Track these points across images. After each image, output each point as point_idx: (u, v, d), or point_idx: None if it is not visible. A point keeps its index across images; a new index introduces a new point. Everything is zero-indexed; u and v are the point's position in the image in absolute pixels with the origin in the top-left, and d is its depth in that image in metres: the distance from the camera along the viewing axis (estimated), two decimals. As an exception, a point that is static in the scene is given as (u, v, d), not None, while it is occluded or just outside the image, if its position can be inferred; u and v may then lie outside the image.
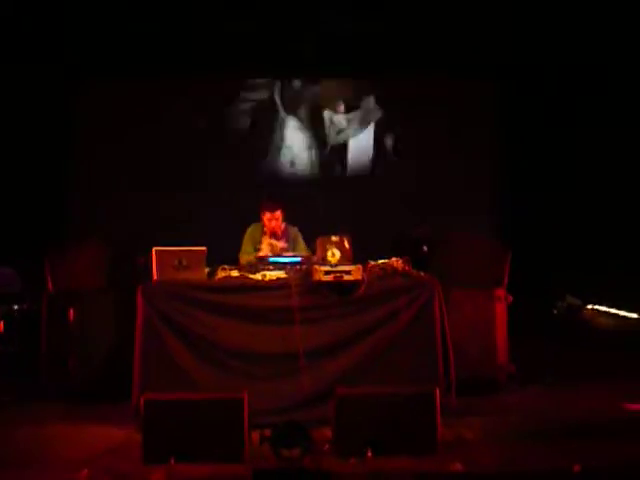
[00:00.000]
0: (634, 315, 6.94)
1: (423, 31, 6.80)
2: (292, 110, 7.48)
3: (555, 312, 7.30)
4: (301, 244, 4.91)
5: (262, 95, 7.44)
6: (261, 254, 4.64)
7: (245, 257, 4.80)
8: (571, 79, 6.98)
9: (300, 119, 7.49)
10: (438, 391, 3.50)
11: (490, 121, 7.42)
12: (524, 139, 7.25)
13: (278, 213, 4.86)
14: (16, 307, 5.62)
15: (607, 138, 6.83)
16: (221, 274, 4.20)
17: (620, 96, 6.64)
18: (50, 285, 4.68)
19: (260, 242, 4.83)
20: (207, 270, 4.21)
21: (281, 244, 4.80)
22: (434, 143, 7.34)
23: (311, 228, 4.90)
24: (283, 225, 4.91)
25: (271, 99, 7.44)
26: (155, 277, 4.05)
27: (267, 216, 4.85)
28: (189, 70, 6.97)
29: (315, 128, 7.50)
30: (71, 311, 4.57)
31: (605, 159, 6.86)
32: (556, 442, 3.59)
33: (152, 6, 6.44)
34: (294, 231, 4.97)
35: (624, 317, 7.03)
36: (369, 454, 3.30)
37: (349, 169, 7.54)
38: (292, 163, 7.50)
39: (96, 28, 6.56)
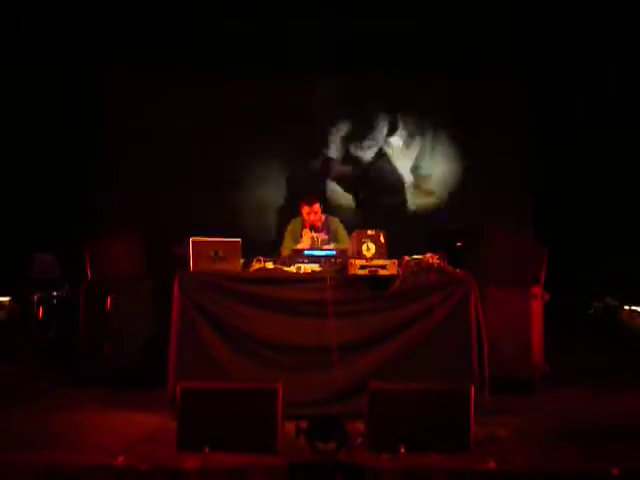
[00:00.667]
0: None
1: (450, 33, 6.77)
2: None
3: (591, 312, 7.17)
4: (342, 235, 4.92)
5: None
6: (300, 247, 4.65)
7: (287, 251, 4.83)
8: (604, 77, 6.84)
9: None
10: (472, 388, 3.47)
11: (526, 120, 7.30)
12: (561, 137, 7.12)
13: (316, 206, 4.91)
14: (55, 293, 5.74)
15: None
16: (256, 266, 4.23)
17: None
18: (89, 272, 4.77)
19: (301, 236, 4.87)
20: (242, 261, 4.24)
21: (322, 236, 4.84)
22: (470, 142, 7.26)
23: (348, 223, 4.93)
24: (323, 217, 4.96)
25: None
26: (191, 267, 4.09)
27: (306, 210, 4.92)
28: (227, 66, 6.99)
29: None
30: (109, 298, 4.66)
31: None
32: (591, 444, 3.53)
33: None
34: (335, 222, 5.00)
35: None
36: (402, 450, 3.29)
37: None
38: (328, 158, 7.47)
39: (124, 19, 6.61)
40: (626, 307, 7.11)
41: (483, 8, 6.61)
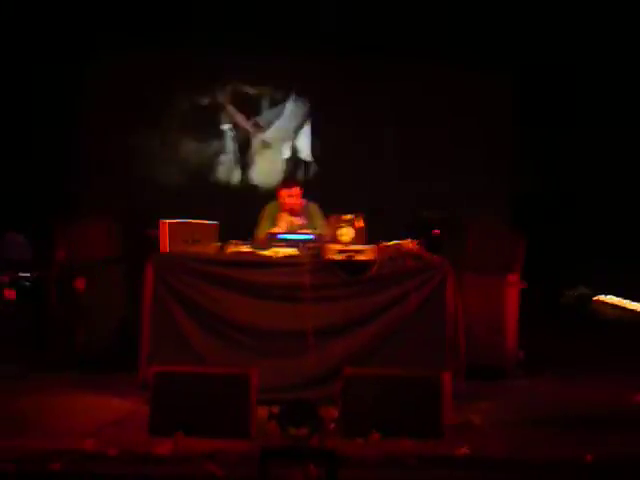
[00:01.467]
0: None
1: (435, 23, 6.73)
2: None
3: (562, 301, 7.25)
4: (320, 220, 4.78)
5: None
6: (276, 230, 4.59)
7: (263, 235, 4.75)
8: (588, 72, 6.91)
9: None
10: (446, 375, 3.48)
11: (506, 109, 7.32)
12: (540, 126, 7.16)
13: (295, 190, 4.79)
14: (26, 275, 5.62)
15: (628, 129, 6.76)
16: (231, 249, 4.17)
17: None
18: (60, 254, 4.67)
19: (278, 219, 4.77)
20: (218, 245, 4.18)
21: (299, 221, 4.74)
22: (449, 130, 7.26)
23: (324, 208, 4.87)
24: (303, 202, 4.85)
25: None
26: (165, 249, 4.02)
27: (284, 193, 4.79)
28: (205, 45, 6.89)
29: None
30: (80, 280, 4.57)
31: (626, 150, 6.78)
32: (564, 431, 3.55)
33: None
34: (314, 207, 4.87)
35: (632, 309, 6.98)
36: (375, 436, 3.28)
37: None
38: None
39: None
40: (598, 297, 7.21)
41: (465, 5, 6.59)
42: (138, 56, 6.98)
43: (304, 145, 7.45)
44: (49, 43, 6.61)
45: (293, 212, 4.78)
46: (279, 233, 4.41)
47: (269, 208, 4.92)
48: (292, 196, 4.79)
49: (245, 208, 5.42)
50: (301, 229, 4.65)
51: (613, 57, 6.73)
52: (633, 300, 6.99)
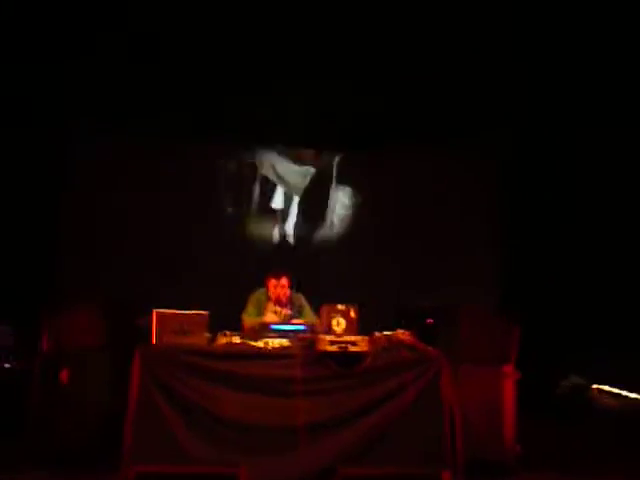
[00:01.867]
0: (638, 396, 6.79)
1: (422, 103, 6.90)
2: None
3: (558, 391, 7.12)
4: (308, 311, 4.82)
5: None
6: (266, 320, 4.53)
7: (249, 319, 4.72)
8: (572, 138, 7.00)
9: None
10: (446, 474, 3.34)
11: (492, 190, 7.41)
12: (528, 209, 7.23)
13: (284, 280, 4.82)
14: (8, 365, 5.45)
15: (614, 199, 6.80)
16: (222, 340, 4.09)
17: (624, 147, 6.63)
18: (45, 344, 4.55)
19: (265, 308, 4.75)
20: (208, 335, 4.10)
21: (285, 311, 4.73)
22: (436, 213, 7.32)
23: (314, 297, 4.84)
24: (289, 292, 4.86)
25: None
26: (154, 340, 3.93)
27: (272, 282, 4.82)
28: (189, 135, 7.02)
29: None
30: (64, 371, 4.42)
31: (615, 228, 6.81)
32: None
33: (156, 61, 6.52)
34: (300, 298, 4.92)
35: (629, 397, 6.87)
36: (373, 540, 3.11)
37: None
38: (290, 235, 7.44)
39: (96, 79, 6.58)
40: (594, 386, 7.09)
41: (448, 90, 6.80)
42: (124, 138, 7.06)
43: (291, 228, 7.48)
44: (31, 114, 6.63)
45: (280, 302, 4.79)
46: (271, 323, 4.35)
47: (257, 294, 4.92)
48: (280, 286, 4.79)
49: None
50: (288, 319, 4.62)
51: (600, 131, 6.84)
52: (627, 389, 6.89)
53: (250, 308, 4.85)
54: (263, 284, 4.96)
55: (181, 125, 6.88)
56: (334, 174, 7.32)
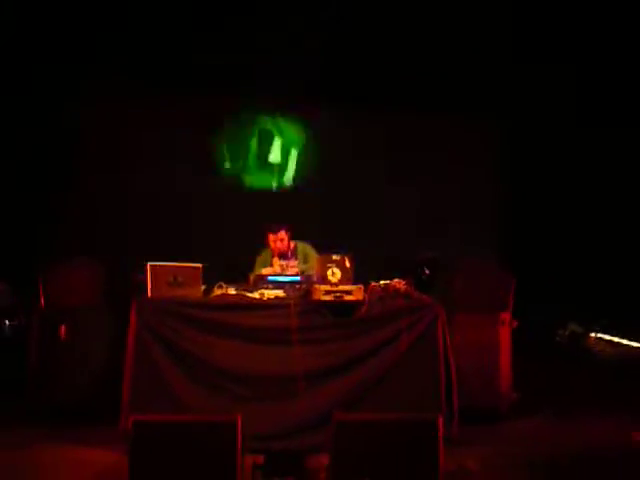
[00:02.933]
0: (637, 344, 6.84)
1: (422, 67, 6.81)
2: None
3: (557, 339, 7.18)
4: (312, 259, 4.78)
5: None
6: (264, 272, 4.54)
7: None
8: (573, 111, 6.96)
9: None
10: (440, 419, 3.36)
11: (495, 148, 7.37)
12: (533, 163, 7.20)
13: (282, 233, 4.81)
14: (8, 323, 5.50)
15: (613, 167, 6.82)
16: (218, 292, 4.10)
17: (623, 124, 6.63)
18: (42, 301, 4.57)
19: (270, 264, 4.75)
20: (204, 287, 4.11)
21: (291, 263, 4.71)
22: (439, 170, 7.27)
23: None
24: (292, 244, 4.86)
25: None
26: (150, 293, 3.94)
27: (271, 238, 4.82)
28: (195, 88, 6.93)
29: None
30: (62, 328, 4.45)
31: (614, 188, 6.85)
32: (560, 473, 3.49)
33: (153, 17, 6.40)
34: (305, 247, 4.91)
35: (627, 345, 6.92)
36: (368, 484, 3.15)
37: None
38: (293, 180, 7.41)
39: (97, 39, 6.48)
40: (592, 334, 7.14)
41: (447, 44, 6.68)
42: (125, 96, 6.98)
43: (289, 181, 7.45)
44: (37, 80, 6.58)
45: (284, 256, 4.78)
46: (266, 275, 4.35)
47: (264, 254, 4.96)
48: (279, 240, 4.79)
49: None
50: (293, 270, 4.62)
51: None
52: (626, 337, 6.94)
53: (257, 268, 4.85)
54: (264, 242, 4.96)
55: (178, 79, 6.77)
56: (331, 128, 7.24)
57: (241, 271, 4.75)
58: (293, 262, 4.77)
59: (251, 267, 4.94)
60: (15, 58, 6.36)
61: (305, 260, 4.82)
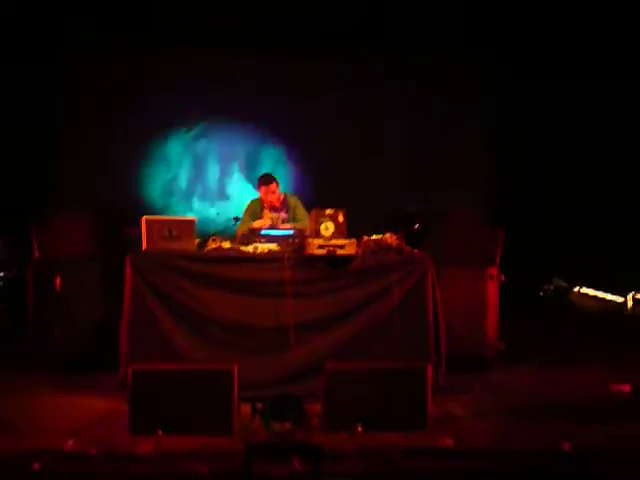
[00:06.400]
0: (619, 298, 7.00)
1: (419, 12, 6.71)
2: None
3: (541, 294, 7.34)
4: (301, 212, 4.85)
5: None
6: (257, 225, 4.59)
7: (242, 227, 4.77)
8: (570, 62, 6.92)
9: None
10: (429, 367, 3.49)
11: (487, 102, 7.33)
12: (521, 122, 7.19)
13: (273, 186, 4.84)
14: (2, 275, 5.53)
15: (604, 119, 6.84)
16: (212, 245, 4.14)
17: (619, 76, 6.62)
18: (36, 253, 4.60)
19: (260, 216, 4.80)
20: (198, 241, 4.15)
21: (282, 216, 4.78)
22: (430, 124, 7.24)
23: (305, 202, 4.88)
24: (282, 196, 4.89)
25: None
26: (144, 246, 3.98)
27: (263, 190, 4.85)
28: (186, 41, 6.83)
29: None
30: (57, 279, 4.50)
31: (601, 145, 6.86)
32: (544, 420, 3.61)
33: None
34: (293, 200, 4.94)
35: (609, 300, 7.09)
36: (359, 429, 3.29)
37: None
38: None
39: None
40: (575, 289, 7.31)
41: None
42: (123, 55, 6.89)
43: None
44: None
45: (274, 208, 4.83)
46: (260, 229, 4.40)
47: (252, 204, 4.97)
48: (270, 192, 4.82)
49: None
50: (284, 224, 4.67)
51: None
52: (608, 291, 7.10)
53: (246, 217, 4.89)
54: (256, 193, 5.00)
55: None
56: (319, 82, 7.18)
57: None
58: (283, 215, 4.83)
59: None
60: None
61: (293, 213, 4.87)
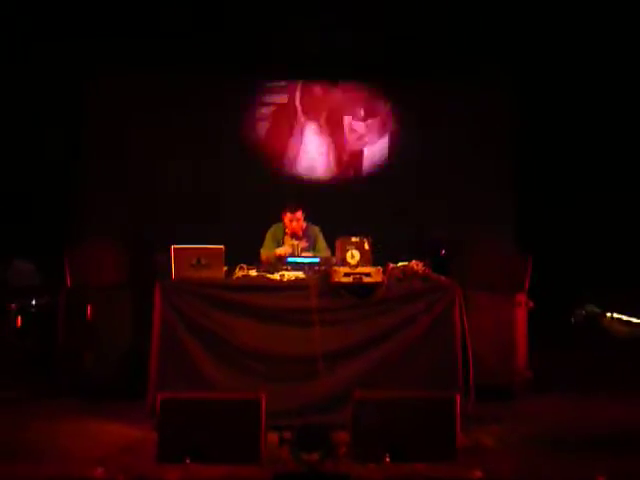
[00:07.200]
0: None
1: (436, 36, 6.79)
2: (312, 115, 7.46)
3: (573, 320, 7.21)
4: (321, 243, 4.95)
5: (281, 99, 7.42)
6: (280, 252, 4.64)
7: (265, 252, 4.85)
8: (594, 81, 6.88)
9: (319, 124, 7.45)
10: (457, 397, 3.45)
11: (512, 126, 7.32)
12: (548, 146, 7.15)
13: (299, 214, 4.91)
14: (34, 302, 5.63)
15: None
16: (239, 273, 4.18)
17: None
18: (69, 280, 4.68)
19: (282, 242, 4.86)
20: (225, 269, 4.19)
21: (302, 244, 4.84)
22: (454, 148, 7.26)
23: (331, 231, 4.90)
24: (304, 225, 4.95)
25: (291, 103, 7.42)
26: (173, 275, 4.03)
27: (288, 217, 4.92)
28: (206, 69, 6.96)
29: (333, 134, 7.46)
30: (89, 307, 4.57)
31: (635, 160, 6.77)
32: (576, 451, 3.53)
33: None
34: (315, 230, 5.02)
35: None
36: (387, 459, 3.26)
37: (364, 174, 7.50)
38: (310, 168, 7.45)
39: (109, 19, 6.53)
40: (608, 314, 7.16)
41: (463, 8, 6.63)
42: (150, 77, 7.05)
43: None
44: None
45: (296, 235, 4.89)
46: (286, 256, 4.44)
47: (274, 228, 5.02)
48: (295, 220, 4.88)
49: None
50: (304, 252, 4.71)
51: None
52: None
53: (268, 242, 4.97)
54: (280, 219, 5.04)
55: (191, 59, 6.84)
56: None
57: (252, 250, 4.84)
58: (304, 244, 4.89)
59: (257, 244, 5.02)
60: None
61: (314, 244, 4.93)
